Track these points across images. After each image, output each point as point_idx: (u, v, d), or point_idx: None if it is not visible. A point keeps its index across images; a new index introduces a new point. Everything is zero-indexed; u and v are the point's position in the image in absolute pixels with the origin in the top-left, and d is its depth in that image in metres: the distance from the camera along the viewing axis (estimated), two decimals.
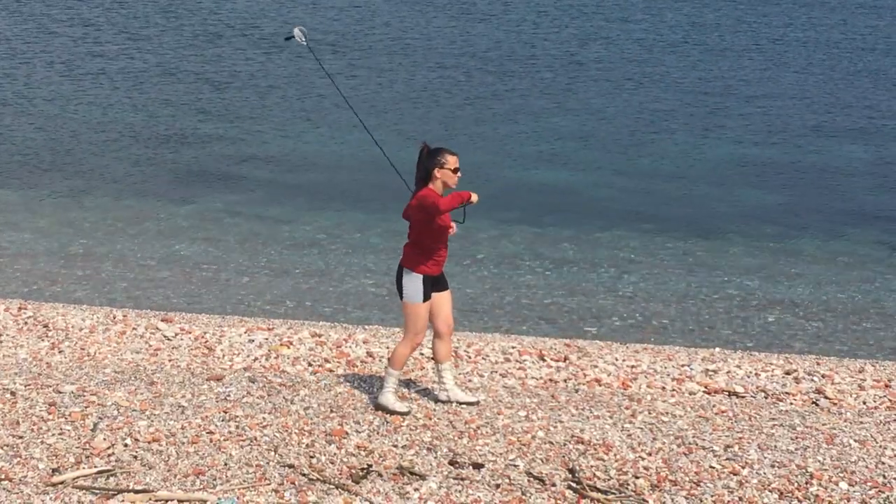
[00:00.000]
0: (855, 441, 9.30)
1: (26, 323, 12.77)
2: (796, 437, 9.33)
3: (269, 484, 7.92)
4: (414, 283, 9.24)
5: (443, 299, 9.46)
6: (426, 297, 9.26)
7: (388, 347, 11.87)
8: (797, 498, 8.03)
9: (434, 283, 9.35)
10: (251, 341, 12.10)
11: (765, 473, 8.42)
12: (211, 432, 8.82)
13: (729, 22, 39.70)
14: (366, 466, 8.26)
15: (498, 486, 8.04)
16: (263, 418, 9.16)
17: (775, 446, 9.04)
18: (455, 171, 9.15)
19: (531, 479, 8.19)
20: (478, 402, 9.77)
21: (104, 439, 8.60)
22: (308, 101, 27.39)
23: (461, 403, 9.74)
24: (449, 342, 9.65)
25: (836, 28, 38.81)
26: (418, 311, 9.28)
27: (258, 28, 36.24)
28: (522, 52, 33.81)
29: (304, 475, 8.08)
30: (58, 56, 31.53)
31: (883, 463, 8.79)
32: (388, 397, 9.50)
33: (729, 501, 7.94)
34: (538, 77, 30.60)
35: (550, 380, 11.17)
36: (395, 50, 33.81)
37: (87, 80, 29.02)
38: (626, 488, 8.10)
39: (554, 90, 29.13)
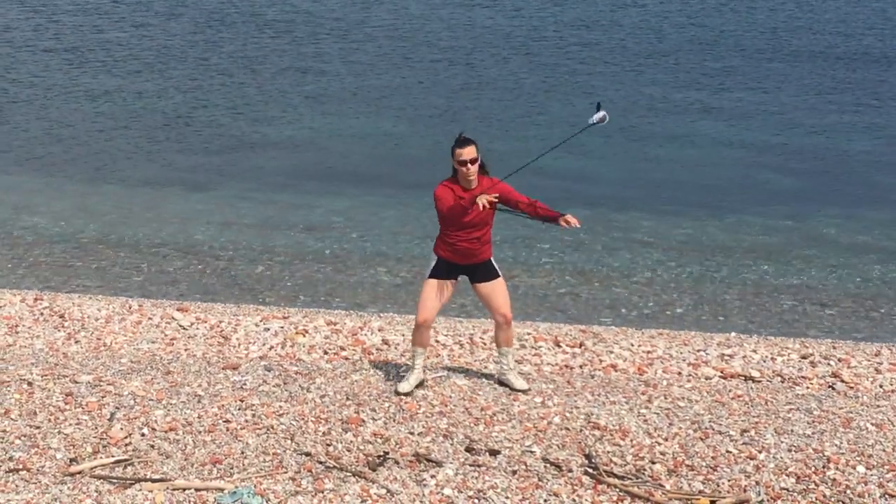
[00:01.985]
0: (872, 425, 9.27)
1: (42, 314, 12.81)
2: (813, 422, 9.30)
3: (285, 472, 7.93)
4: (429, 261, 9.62)
5: (490, 290, 9.61)
6: (432, 276, 9.50)
7: (403, 335, 11.87)
8: (814, 482, 8.01)
9: (469, 274, 9.56)
10: (266, 330, 12.12)
11: (781, 458, 8.40)
12: (227, 421, 8.83)
13: (742, 3, 39.53)
14: (382, 454, 8.27)
15: (514, 472, 8.04)
16: (280, 406, 9.17)
17: (792, 430, 9.02)
18: (462, 163, 9.13)
19: (548, 465, 8.19)
20: (527, 391, 9.83)
21: (121, 429, 8.62)
22: (320, 86, 27.39)
23: (513, 389, 9.84)
24: (506, 331, 9.86)
25: (847, 9, 38.63)
26: (423, 286, 9.58)
27: (266, 13, 36.22)
28: (530, 36, 33.72)
29: (320, 463, 8.09)
30: (69, 43, 31.56)
31: None
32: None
33: (746, 486, 7.92)
34: (547, 61, 30.52)
35: (566, 366, 11.16)
36: (399, 34, 33.78)
37: (98, 67, 29.05)
38: (643, 473, 8.09)
39: (565, 73, 29.06)
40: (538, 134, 23.36)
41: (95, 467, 7.97)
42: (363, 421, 8.91)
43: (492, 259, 9.60)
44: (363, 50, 31.64)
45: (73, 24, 34.21)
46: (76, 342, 11.72)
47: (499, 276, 9.64)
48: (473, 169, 9.19)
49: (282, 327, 12.23)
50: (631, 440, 8.69)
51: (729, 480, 8.00)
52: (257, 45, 32.00)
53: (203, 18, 35.49)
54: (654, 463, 8.28)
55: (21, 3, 36.86)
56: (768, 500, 7.74)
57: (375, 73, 28.96)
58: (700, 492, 7.84)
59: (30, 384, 9.63)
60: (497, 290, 9.61)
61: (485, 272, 9.56)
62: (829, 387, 10.75)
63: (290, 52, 31.27)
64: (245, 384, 9.81)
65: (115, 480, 7.74)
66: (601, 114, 9.11)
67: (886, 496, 7.84)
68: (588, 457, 8.34)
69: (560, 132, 23.46)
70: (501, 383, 10.00)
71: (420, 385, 9.79)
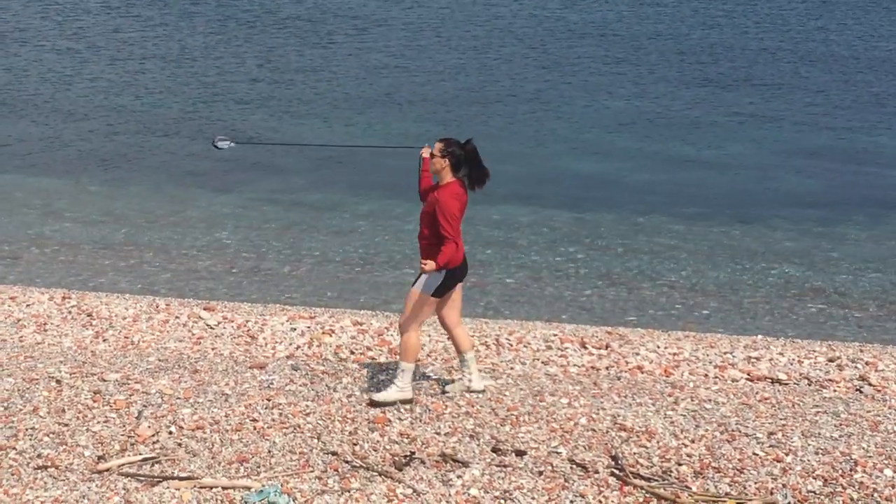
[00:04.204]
0: None
1: (70, 312, 12.88)
2: (840, 424, 9.27)
3: (312, 471, 7.95)
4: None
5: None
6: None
7: (429, 336, 11.88)
8: (841, 485, 7.98)
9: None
10: (293, 330, 12.16)
11: (808, 460, 8.37)
12: (254, 420, 8.86)
13: (770, 7, 39.41)
14: (409, 454, 8.28)
15: (541, 472, 8.04)
16: (306, 406, 9.19)
17: (819, 433, 8.98)
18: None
19: (574, 466, 8.18)
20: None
21: (149, 427, 8.67)
22: (345, 89, 27.45)
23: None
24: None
25: (877, 13, 38.47)
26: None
27: (293, 14, 36.32)
28: (545, 37, 33.71)
29: (347, 462, 8.11)
30: (95, 47, 31.72)
31: None
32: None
33: (773, 488, 7.90)
34: (563, 63, 30.50)
35: (592, 367, 11.15)
36: (419, 31, 33.80)
37: (119, 67, 29.22)
38: (669, 475, 8.08)
39: (582, 75, 29.02)
40: (550, 136, 23.32)
41: (123, 465, 8.01)
42: (389, 421, 8.92)
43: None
44: (374, 48, 31.68)
45: (94, 24, 34.39)
46: (104, 340, 11.79)
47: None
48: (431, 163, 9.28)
49: (308, 327, 12.27)
50: (657, 442, 8.67)
51: (756, 483, 7.98)
52: (286, 47, 32.10)
53: (230, 21, 35.63)
54: (680, 465, 8.26)
55: (45, 7, 37.05)
56: (795, 503, 7.71)
57: (390, 72, 28.98)
58: (727, 494, 7.82)
59: (58, 382, 9.69)
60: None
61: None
62: (857, 390, 10.71)
63: (319, 53, 31.34)
64: (272, 383, 9.84)
65: (142, 478, 7.79)
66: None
67: None
68: (614, 458, 8.33)
69: (595, 134, 23.49)
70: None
71: (476, 391, 9.69)
